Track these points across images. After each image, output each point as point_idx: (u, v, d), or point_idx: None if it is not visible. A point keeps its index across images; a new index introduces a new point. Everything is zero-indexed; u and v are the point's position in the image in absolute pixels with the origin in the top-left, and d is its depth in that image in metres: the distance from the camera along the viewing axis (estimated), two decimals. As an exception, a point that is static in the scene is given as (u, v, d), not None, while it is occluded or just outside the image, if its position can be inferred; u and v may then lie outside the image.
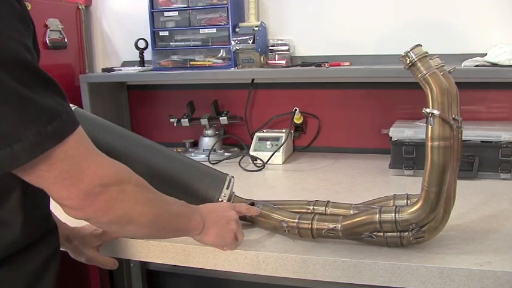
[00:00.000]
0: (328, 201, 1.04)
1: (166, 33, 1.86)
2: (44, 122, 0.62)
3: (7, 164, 0.62)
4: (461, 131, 0.92)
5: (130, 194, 0.74)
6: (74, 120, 0.67)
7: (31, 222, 0.75)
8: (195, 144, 1.93)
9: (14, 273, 0.74)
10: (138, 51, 1.93)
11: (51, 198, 0.83)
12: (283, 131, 1.81)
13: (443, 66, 0.91)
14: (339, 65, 1.70)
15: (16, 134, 0.61)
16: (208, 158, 1.75)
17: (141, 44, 1.93)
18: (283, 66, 1.76)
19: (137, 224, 0.77)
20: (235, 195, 1.09)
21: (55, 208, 0.86)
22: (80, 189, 0.67)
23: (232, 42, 1.77)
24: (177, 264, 1.01)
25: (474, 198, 1.23)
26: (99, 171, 0.69)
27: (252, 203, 1.06)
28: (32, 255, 0.77)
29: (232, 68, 1.79)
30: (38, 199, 0.78)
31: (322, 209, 1.03)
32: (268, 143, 1.76)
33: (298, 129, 1.88)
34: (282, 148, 1.73)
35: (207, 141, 1.86)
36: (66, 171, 0.66)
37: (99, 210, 0.70)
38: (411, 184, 1.37)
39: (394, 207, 0.91)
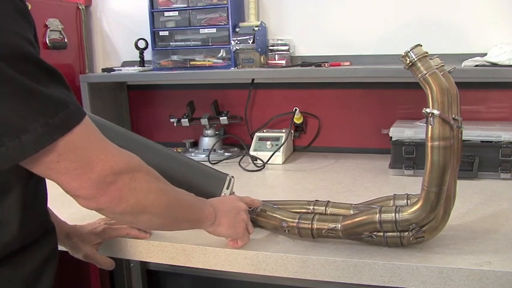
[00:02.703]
0: (328, 201, 1.04)
1: (166, 33, 1.86)
2: (51, 113, 0.63)
3: (15, 156, 0.62)
4: (462, 130, 0.92)
5: (142, 182, 0.74)
6: (81, 110, 0.67)
7: (29, 222, 0.75)
8: (195, 144, 1.93)
9: (12, 273, 0.74)
10: (138, 51, 1.93)
11: (49, 198, 0.84)
12: (283, 131, 1.81)
13: (443, 66, 0.91)
14: (339, 65, 1.70)
15: (24, 125, 0.61)
16: (208, 158, 1.75)
17: (141, 44, 1.93)
18: (283, 66, 1.76)
19: (151, 213, 0.77)
20: (235, 195, 1.08)
21: (54, 207, 0.87)
22: (91, 178, 0.67)
23: (232, 42, 1.77)
24: (177, 264, 1.01)
25: (474, 198, 1.23)
26: (110, 159, 0.69)
27: (252, 203, 1.06)
28: (30, 255, 0.77)
29: (232, 68, 1.79)
30: (35, 199, 0.78)
31: (322, 209, 1.03)
32: (268, 143, 1.76)
33: (298, 129, 1.88)
34: (282, 148, 1.73)
35: (207, 141, 1.86)
36: (76, 161, 0.66)
37: (112, 200, 0.71)
38: (411, 184, 1.37)
39: (394, 207, 0.91)
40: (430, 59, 0.87)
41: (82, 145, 0.67)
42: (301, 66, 1.73)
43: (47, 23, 1.84)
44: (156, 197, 0.77)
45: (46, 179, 0.80)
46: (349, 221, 0.93)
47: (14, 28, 0.62)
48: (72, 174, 0.66)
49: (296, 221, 0.97)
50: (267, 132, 1.83)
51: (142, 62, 1.94)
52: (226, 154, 1.82)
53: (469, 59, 1.52)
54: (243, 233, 0.94)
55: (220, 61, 1.82)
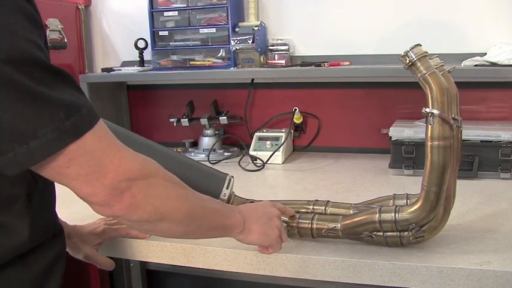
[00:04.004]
0: (328, 201, 1.04)
1: (166, 33, 1.86)
2: (62, 118, 0.61)
3: (25, 162, 0.61)
4: (461, 130, 0.92)
5: (160, 188, 0.71)
6: (94, 113, 0.66)
7: (37, 226, 0.75)
8: (195, 144, 1.93)
9: (21, 274, 0.74)
10: (137, 51, 1.93)
11: (57, 202, 0.84)
12: (283, 130, 1.81)
13: (442, 65, 0.91)
14: (339, 65, 1.70)
15: (33, 131, 0.60)
16: (208, 158, 1.75)
17: (141, 44, 1.93)
18: (283, 66, 1.76)
19: (170, 221, 0.73)
20: (235, 195, 1.09)
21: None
22: (104, 184, 0.65)
23: (232, 42, 1.77)
24: (177, 264, 1.01)
25: (474, 198, 1.23)
26: (124, 165, 0.67)
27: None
28: (39, 256, 0.77)
29: (232, 68, 1.79)
30: (43, 203, 0.78)
31: (322, 208, 1.03)
32: (268, 142, 1.76)
33: (298, 129, 1.88)
34: (281, 148, 1.73)
35: (206, 141, 1.86)
36: (88, 167, 0.64)
37: (127, 207, 0.68)
38: (411, 184, 1.37)
39: (394, 206, 0.91)
40: (430, 58, 0.87)
41: (93, 150, 0.64)
42: (301, 66, 1.73)
43: (46, 23, 1.84)
44: (175, 204, 0.73)
45: (54, 183, 0.80)
46: (348, 221, 0.93)
47: (21, 32, 0.61)
48: (83, 180, 0.64)
49: (296, 220, 0.97)
50: (266, 132, 1.83)
51: (142, 62, 1.94)
52: (226, 154, 1.82)
53: (469, 59, 1.52)
54: (276, 240, 0.90)
55: (220, 61, 1.82)
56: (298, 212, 1.01)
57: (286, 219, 0.98)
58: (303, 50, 1.85)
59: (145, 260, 1.04)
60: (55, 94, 0.62)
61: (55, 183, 0.79)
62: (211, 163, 1.72)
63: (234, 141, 1.92)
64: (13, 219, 0.72)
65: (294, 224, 0.97)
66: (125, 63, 2.05)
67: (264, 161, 1.69)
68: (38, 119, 0.60)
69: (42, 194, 0.77)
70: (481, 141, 1.42)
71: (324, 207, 1.03)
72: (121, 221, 0.72)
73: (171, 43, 1.87)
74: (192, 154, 1.83)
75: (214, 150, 1.82)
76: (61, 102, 0.62)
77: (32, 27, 0.63)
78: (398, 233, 0.90)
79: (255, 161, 1.70)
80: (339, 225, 0.93)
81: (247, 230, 0.86)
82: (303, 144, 1.90)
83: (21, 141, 0.60)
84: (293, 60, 1.83)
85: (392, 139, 1.50)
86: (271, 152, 1.71)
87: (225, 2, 1.76)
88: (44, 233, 0.79)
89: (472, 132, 1.43)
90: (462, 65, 1.51)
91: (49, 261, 0.79)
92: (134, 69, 1.90)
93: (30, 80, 0.60)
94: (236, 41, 1.76)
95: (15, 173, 0.62)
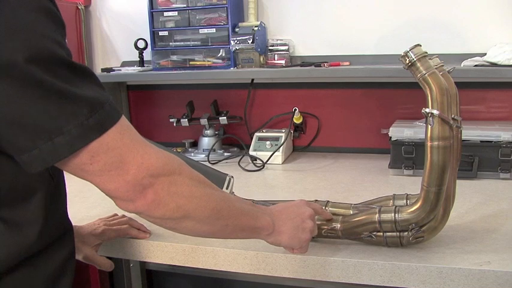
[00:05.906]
0: (328, 201, 1.04)
1: (165, 33, 1.86)
2: (85, 114, 0.62)
3: (48, 158, 0.62)
4: (461, 130, 0.92)
5: (183, 186, 0.71)
6: (116, 110, 0.66)
7: (51, 223, 0.75)
8: (195, 144, 1.93)
9: (34, 274, 0.74)
10: (137, 51, 1.93)
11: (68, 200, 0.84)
12: (283, 130, 1.81)
13: (442, 66, 0.91)
14: (339, 65, 1.70)
15: (56, 127, 0.60)
16: (208, 158, 1.75)
17: (141, 44, 1.93)
18: (283, 66, 1.76)
19: (194, 219, 0.72)
20: (235, 195, 1.08)
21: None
22: (127, 180, 0.65)
23: (232, 42, 1.77)
24: (177, 264, 1.01)
25: (474, 198, 1.23)
26: (146, 161, 0.66)
27: (252, 203, 1.06)
28: (51, 255, 0.77)
29: (231, 68, 1.79)
30: (56, 200, 0.78)
31: (321, 208, 1.03)
32: (267, 142, 1.76)
33: (298, 129, 1.88)
34: (281, 148, 1.73)
35: (206, 141, 1.86)
36: (110, 163, 0.64)
37: (150, 203, 0.67)
38: (411, 184, 1.37)
39: (394, 207, 0.91)
40: (430, 59, 0.87)
41: (116, 146, 0.64)
42: (301, 66, 1.73)
43: (46, 23, 1.84)
44: (200, 202, 0.72)
45: (65, 179, 0.81)
46: (348, 221, 0.93)
47: (44, 31, 0.61)
48: (106, 176, 0.65)
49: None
50: (266, 132, 1.83)
51: (141, 62, 1.94)
52: (225, 154, 1.82)
53: (469, 59, 1.52)
54: (306, 243, 0.88)
55: (220, 61, 1.82)
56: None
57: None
58: (302, 50, 1.85)
59: (145, 260, 1.04)
60: (78, 91, 0.62)
61: (66, 181, 0.80)
62: (211, 163, 1.72)
63: (234, 141, 1.92)
64: (29, 217, 0.72)
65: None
66: (125, 63, 2.05)
67: (264, 161, 1.69)
68: (63, 115, 0.61)
69: (56, 190, 0.77)
70: (481, 141, 1.42)
71: (323, 207, 1.03)
72: (144, 217, 0.72)
73: (171, 43, 1.87)
74: (192, 154, 1.83)
75: (214, 151, 1.82)
76: (85, 99, 0.62)
77: (54, 25, 0.64)
78: (398, 233, 0.90)
79: (254, 161, 1.70)
80: (339, 225, 0.93)
81: (277, 232, 0.84)
82: (303, 144, 1.90)
83: (46, 138, 0.60)
84: (293, 60, 1.83)
85: (392, 139, 1.50)
86: (271, 152, 1.71)
87: (224, 2, 1.76)
88: (57, 230, 0.78)
89: (472, 133, 1.43)
90: (462, 65, 1.51)
91: (61, 260, 0.79)
92: (134, 69, 1.90)
93: (54, 77, 0.60)
94: (236, 41, 1.76)
95: (39, 170, 0.63)
